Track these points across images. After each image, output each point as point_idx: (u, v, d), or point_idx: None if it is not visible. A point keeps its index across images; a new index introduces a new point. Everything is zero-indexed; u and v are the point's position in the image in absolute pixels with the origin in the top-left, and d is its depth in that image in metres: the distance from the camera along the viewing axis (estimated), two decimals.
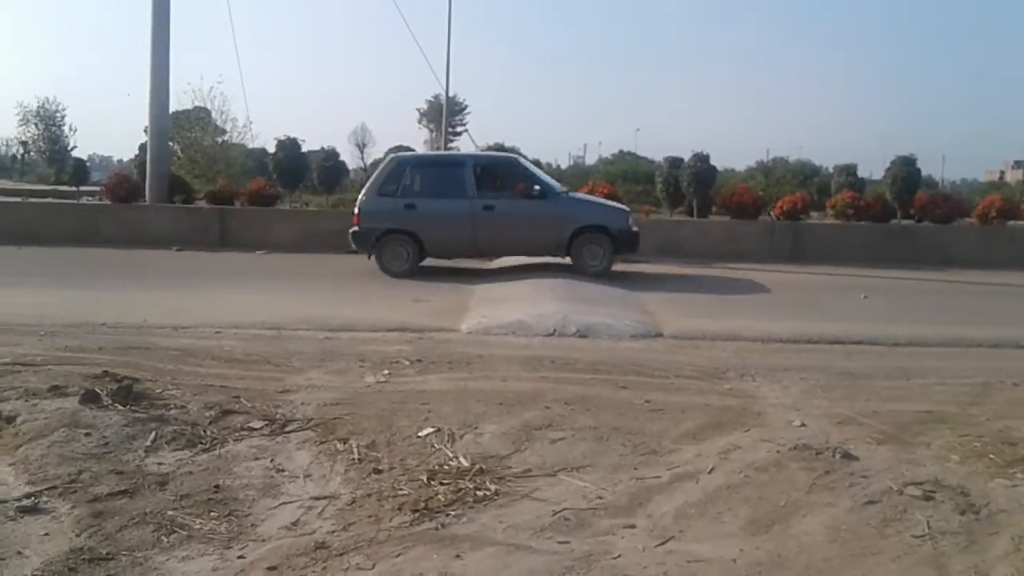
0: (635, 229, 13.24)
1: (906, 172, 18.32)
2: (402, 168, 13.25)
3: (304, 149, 18.51)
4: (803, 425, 5.51)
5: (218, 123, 25.65)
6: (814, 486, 4.39)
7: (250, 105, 27.08)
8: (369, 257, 13.09)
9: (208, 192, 18.08)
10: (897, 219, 18.50)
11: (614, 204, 14.22)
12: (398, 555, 3.55)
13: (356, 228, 12.94)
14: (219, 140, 25.50)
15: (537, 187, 12.88)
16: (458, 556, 3.54)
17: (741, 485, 4.41)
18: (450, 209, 12.87)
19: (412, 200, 12.89)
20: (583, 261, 12.85)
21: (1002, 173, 55.99)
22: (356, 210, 13.02)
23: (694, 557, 3.57)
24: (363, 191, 13.46)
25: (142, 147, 18.57)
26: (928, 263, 16.14)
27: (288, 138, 17.94)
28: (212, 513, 4.00)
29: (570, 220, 12.91)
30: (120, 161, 34.54)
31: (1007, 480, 4.55)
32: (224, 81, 26.68)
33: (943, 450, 5.07)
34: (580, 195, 14.86)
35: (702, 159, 17.73)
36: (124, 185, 17.39)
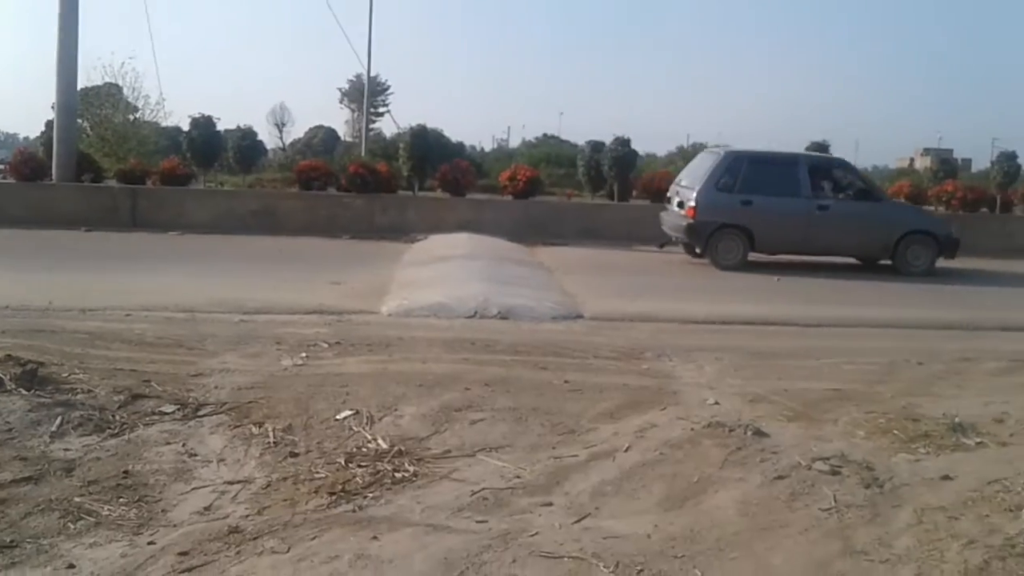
0: (956, 236, 13.66)
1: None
2: (738, 164, 13.23)
3: (220, 128, 17.99)
4: (717, 403, 5.63)
5: (130, 100, 24.80)
6: (726, 462, 4.49)
7: (164, 82, 26.28)
8: (701, 252, 13.32)
9: (118, 171, 17.45)
10: None
11: (932, 212, 14.90)
12: (314, 538, 3.50)
13: (691, 221, 12.91)
14: (131, 118, 24.65)
15: (871, 191, 13.52)
16: (375, 538, 3.52)
17: (656, 462, 4.48)
18: (785, 207, 13.07)
19: (748, 196, 12.97)
20: (906, 262, 13.30)
21: (912, 160, 57.90)
22: (692, 203, 12.91)
23: (610, 533, 3.61)
24: (689, 183, 13.52)
25: (49, 124, 17.77)
26: None
27: (203, 116, 17.41)
28: (121, 499, 3.89)
29: (899, 224, 13.41)
30: (26, 139, 33.17)
31: (910, 455, 4.73)
32: (136, 57, 25.79)
33: (850, 426, 5.25)
34: (902, 201, 15.59)
35: (623, 143, 17.87)
36: (29, 163, 16.65)
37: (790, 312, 9.27)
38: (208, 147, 17.46)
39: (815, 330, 8.59)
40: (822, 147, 18.93)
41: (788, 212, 13.11)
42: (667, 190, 17.70)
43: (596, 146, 18.47)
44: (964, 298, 11.25)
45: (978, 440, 5.02)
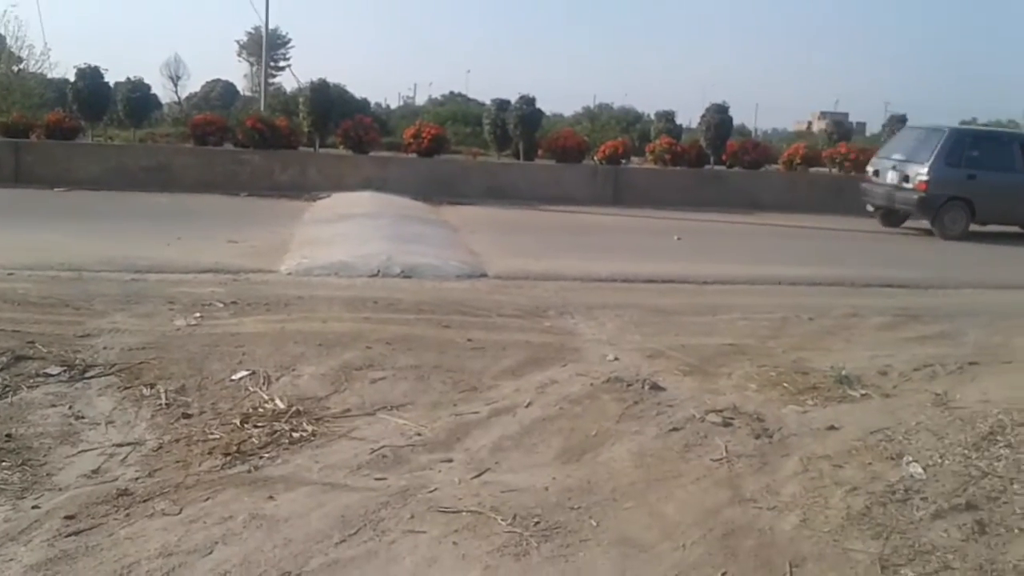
0: None
1: (719, 120, 19.09)
2: (963, 141, 14.45)
3: (109, 80, 17.12)
4: (616, 359, 5.73)
5: (13, 51, 23.40)
6: (624, 416, 4.59)
7: (50, 32, 24.86)
8: (930, 222, 14.47)
9: (0, 124, 16.49)
10: (711, 164, 19.36)
11: None
12: (207, 499, 3.44)
13: (923, 194, 13.99)
14: (14, 69, 23.28)
15: None
16: (271, 497, 3.47)
17: (556, 417, 4.54)
18: (1005, 181, 14.29)
19: (972, 171, 14.09)
20: None
21: (810, 123, 59.69)
22: (924, 178, 13.96)
23: (508, 487, 3.65)
24: (909, 158, 14.61)
25: None
26: (738, 206, 17.02)
27: (89, 66, 16.47)
28: (3, 463, 3.74)
29: None
30: None
31: (799, 407, 4.92)
32: (18, 4, 24.34)
33: (742, 380, 5.42)
34: None
35: (528, 102, 17.77)
36: None
37: (688, 270, 9.46)
38: (95, 99, 16.58)
39: (713, 287, 8.79)
40: (722, 109, 19.23)
41: (1007, 185, 14.38)
42: (572, 149, 17.85)
43: (502, 105, 18.33)
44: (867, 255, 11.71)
45: (863, 392, 5.25)
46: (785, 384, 5.32)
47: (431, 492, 3.57)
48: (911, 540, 3.32)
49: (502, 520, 3.31)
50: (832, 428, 4.53)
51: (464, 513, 3.37)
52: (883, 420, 4.63)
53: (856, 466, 4.01)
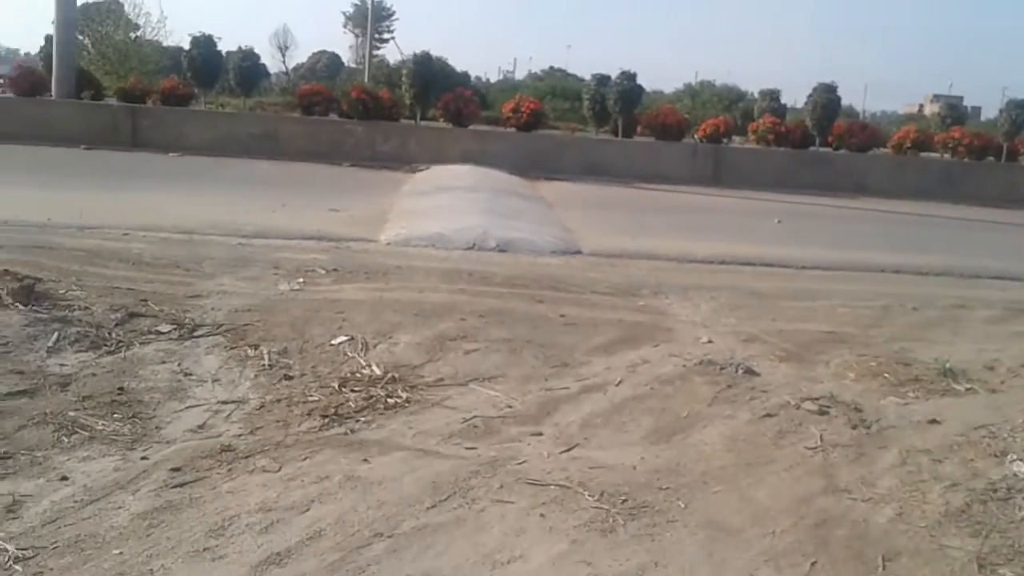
0: None
1: (826, 100, 18.56)
2: None
3: (222, 49, 17.70)
4: (710, 342, 5.66)
5: (131, 17, 24.40)
6: (716, 399, 4.54)
7: (166, 1, 25.75)
8: None
9: (118, 89, 17.24)
10: (816, 146, 18.84)
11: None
12: (305, 459, 3.56)
13: None
14: (132, 36, 24.27)
15: None
16: (365, 460, 3.57)
17: (646, 397, 4.53)
18: None
19: None
20: None
21: (921, 106, 57.30)
22: None
23: (596, 463, 3.66)
24: None
25: (49, 39, 17.47)
26: (843, 190, 16.55)
27: (203, 35, 17.11)
28: (115, 415, 3.93)
29: None
30: (27, 54, 32.60)
31: (899, 398, 4.77)
32: None
33: (841, 368, 5.28)
34: None
35: (629, 78, 17.60)
36: (29, 78, 16.45)
37: (788, 254, 9.25)
38: (209, 67, 17.21)
39: (812, 272, 8.58)
40: (830, 89, 18.65)
41: None
42: (672, 127, 17.58)
43: (602, 80, 18.21)
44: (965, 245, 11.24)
45: (968, 386, 5.06)
46: (886, 375, 5.16)
47: (520, 464, 3.62)
48: (1011, 540, 3.20)
49: (589, 496, 3.33)
50: (933, 422, 4.38)
51: (552, 487, 3.40)
52: (988, 416, 4.46)
53: (957, 462, 3.88)
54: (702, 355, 5.24)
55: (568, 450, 3.83)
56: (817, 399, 4.59)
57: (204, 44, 17.02)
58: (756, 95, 25.41)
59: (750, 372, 5.00)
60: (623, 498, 3.34)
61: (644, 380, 4.78)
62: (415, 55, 17.96)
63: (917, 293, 7.74)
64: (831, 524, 3.26)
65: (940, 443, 4.09)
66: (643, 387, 4.67)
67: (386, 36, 56.57)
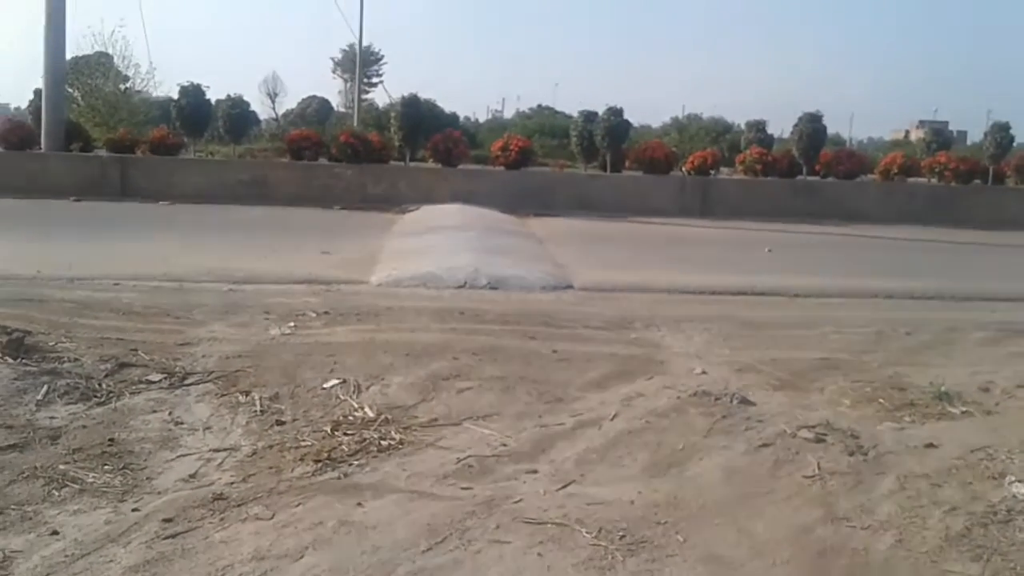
0: None
1: (812, 129, 18.73)
2: None
3: (211, 97, 17.85)
4: (704, 373, 5.64)
5: (120, 69, 24.56)
6: (712, 430, 4.51)
7: (154, 51, 26.04)
8: None
9: (107, 140, 17.32)
10: (803, 175, 18.97)
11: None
12: (298, 504, 3.51)
13: None
14: (122, 87, 24.44)
15: None
16: (359, 504, 3.53)
17: (642, 430, 4.50)
18: None
19: None
20: None
21: (907, 132, 57.77)
22: None
23: (593, 500, 3.63)
24: None
25: (37, 92, 17.57)
26: (832, 217, 16.63)
27: (192, 84, 17.25)
28: (106, 467, 3.89)
29: None
30: (17, 108, 32.82)
31: (895, 423, 4.76)
32: (126, 25, 25.53)
33: (836, 395, 5.27)
34: None
35: (615, 113, 17.75)
36: (18, 131, 16.53)
37: (779, 282, 9.27)
38: (198, 116, 17.32)
39: (804, 300, 8.59)
40: (815, 118, 18.83)
41: None
42: (660, 161, 17.70)
43: (589, 116, 18.36)
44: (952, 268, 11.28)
45: (963, 409, 5.05)
46: (881, 400, 5.15)
47: (516, 503, 3.58)
48: (1013, 562, 3.17)
49: (587, 532, 3.29)
50: (930, 446, 4.37)
51: (549, 525, 3.36)
52: (985, 438, 4.45)
53: (956, 485, 3.85)
54: (696, 386, 5.22)
55: (564, 487, 3.79)
56: (813, 427, 4.57)
57: (192, 93, 17.15)
58: (743, 127, 25.63)
59: (745, 402, 4.98)
60: (621, 534, 3.31)
61: (639, 413, 4.75)
62: (403, 97, 18.11)
63: (909, 317, 7.75)
64: (831, 554, 3.23)
65: (938, 467, 4.07)
66: (638, 420, 4.64)
67: (375, 80, 57.14)
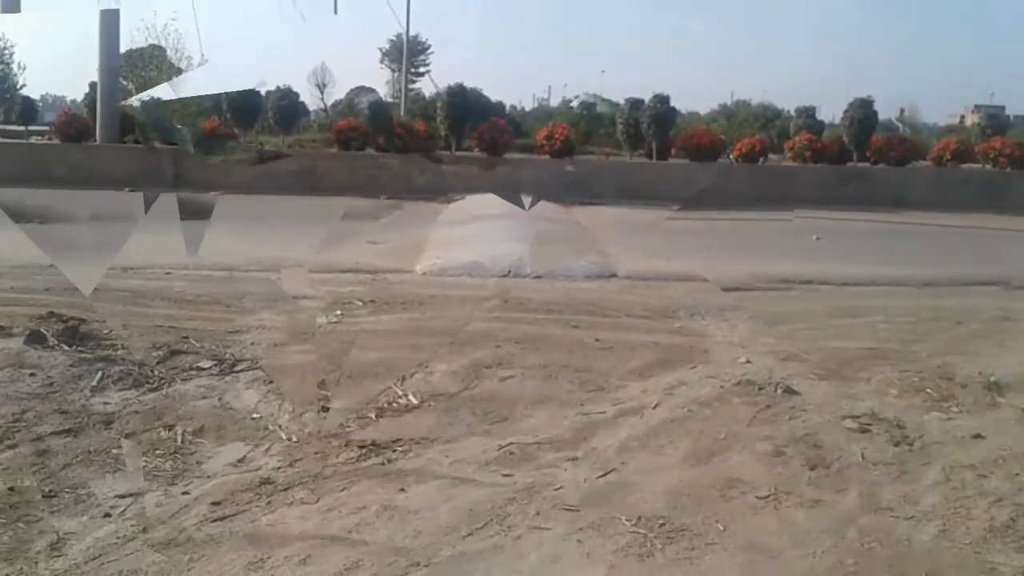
0: None
1: (863, 115, 18.38)
2: None
3: (261, 88, 18.10)
4: (748, 362, 5.61)
5: (174, 62, 24.94)
6: (754, 420, 4.50)
7: (206, 43, 26.33)
8: None
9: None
10: (854, 161, 18.65)
11: None
12: (343, 489, 3.59)
13: None
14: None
15: None
16: (402, 489, 3.59)
17: (684, 419, 4.50)
18: None
19: None
20: None
21: (962, 117, 56.21)
22: None
23: (634, 487, 3.64)
24: None
25: (93, 86, 17.94)
26: (882, 204, 16.34)
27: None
28: (157, 451, 4.00)
29: None
30: (73, 101, 33.55)
31: (942, 413, 4.70)
32: (178, 18, 25.94)
33: (882, 385, 5.21)
34: None
35: (662, 100, 17.61)
36: (74, 124, 16.92)
37: (827, 270, 9.15)
38: (247, 107, 17.56)
39: (853, 289, 8.47)
40: (866, 103, 18.48)
41: None
42: (707, 148, 17.51)
43: (635, 104, 18.23)
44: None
45: (1013, 400, 4.95)
46: (928, 390, 5.08)
47: (557, 490, 3.61)
48: None
49: (627, 520, 3.31)
50: (978, 437, 4.32)
51: (589, 511, 3.39)
52: None
53: (1002, 476, 3.80)
54: (740, 375, 5.21)
55: (605, 475, 3.81)
56: (858, 417, 4.54)
57: None
58: (792, 113, 25.22)
59: (789, 391, 4.95)
60: (660, 521, 3.32)
61: (681, 402, 4.75)
62: (449, 87, 18.17)
63: (960, 306, 7.61)
64: (874, 544, 3.21)
65: (984, 458, 4.03)
66: (680, 409, 4.64)
67: (422, 70, 57.14)
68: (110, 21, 16.90)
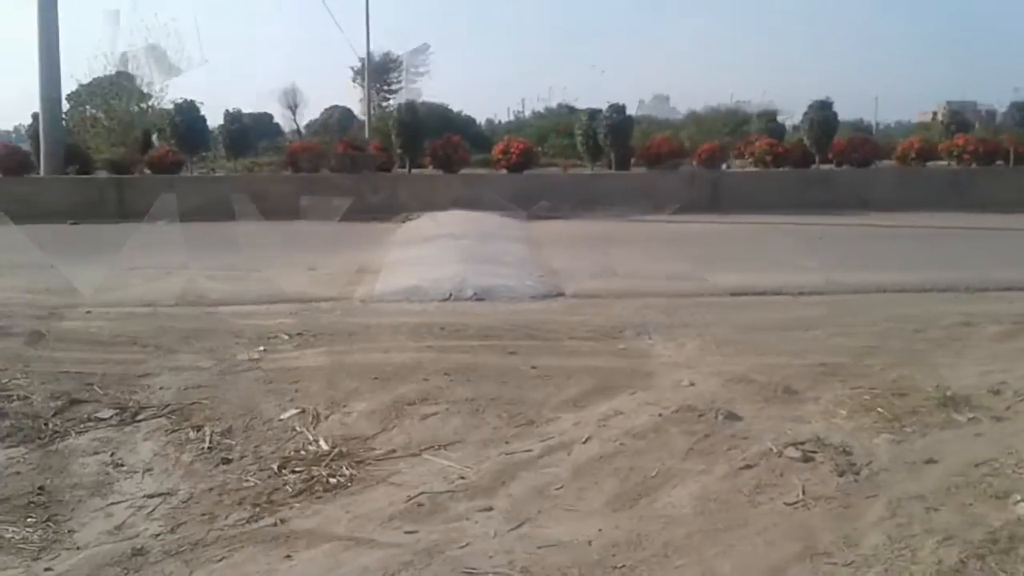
0: None
1: (823, 116, 18.24)
2: None
3: (205, 114, 17.67)
4: (692, 385, 5.28)
5: (142, 88, 24.59)
6: (691, 452, 4.17)
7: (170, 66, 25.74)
8: None
9: (106, 161, 17.20)
10: (816, 164, 18.50)
11: None
12: (221, 559, 3.21)
13: None
14: (144, 106, 24.44)
15: None
16: (288, 556, 3.22)
17: (614, 455, 4.16)
18: None
19: None
20: None
21: (935, 114, 56.43)
22: None
23: (547, 541, 3.29)
24: None
25: (35, 116, 17.49)
26: (846, 207, 16.15)
27: (185, 101, 17.10)
28: (29, 518, 3.61)
29: None
30: (17, 130, 32.93)
31: (893, 435, 4.38)
32: (136, 45, 25.58)
33: (831, 405, 4.88)
34: None
35: (618, 110, 17.37)
36: (14, 156, 16.45)
37: (784, 280, 8.86)
38: (192, 133, 17.14)
39: (808, 299, 8.17)
40: (826, 105, 18.35)
41: None
42: (667, 156, 17.30)
43: (593, 114, 18.00)
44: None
45: (970, 416, 4.65)
46: (880, 409, 4.75)
47: (461, 548, 3.25)
48: None
49: None
50: (930, 461, 4.00)
51: (490, 575, 3.03)
52: (991, 450, 4.09)
53: (953, 508, 3.48)
54: (681, 401, 4.88)
55: (518, 527, 3.45)
56: (802, 443, 4.21)
57: (187, 110, 16.98)
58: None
59: (732, 417, 4.63)
60: None
61: (614, 435, 4.41)
62: (400, 105, 17.87)
63: (919, 313, 7.32)
64: None
65: (936, 487, 3.71)
66: (612, 443, 4.30)
67: (395, 87, 56.65)
68: (50, 50, 16.44)
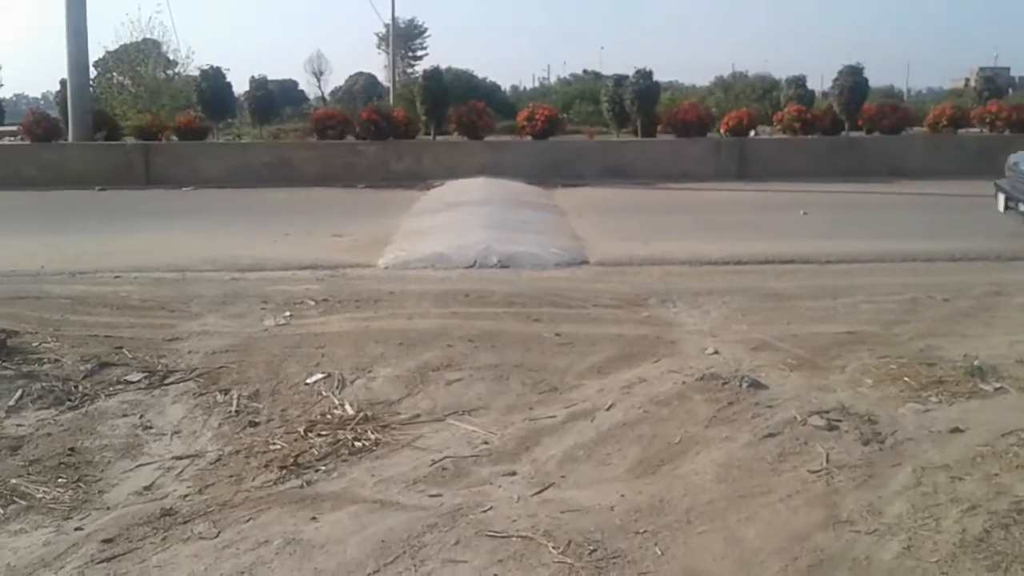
0: None
1: (853, 82, 17.89)
2: None
3: (232, 80, 17.67)
4: (716, 352, 5.26)
5: (167, 54, 24.76)
6: (714, 419, 4.16)
7: (202, 35, 26.15)
8: None
9: (134, 127, 17.27)
10: (846, 131, 18.22)
11: None
12: (248, 520, 3.25)
13: None
14: (170, 73, 24.58)
15: None
16: (314, 518, 3.26)
17: (637, 422, 4.16)
18: None
19: None
20: None
21: (967, 80, 55.44)
22: None
23: (570, 506, 3.31)
24: None
25: (63, 82, 17.57)
26: (876, 175, 15.95)
27: (212, 68, 17.09)
28: (60, 479, 3.68)
29: None
30: (45, 97, 33.17)
31: (919, 404, 4.35)
32: (161, 11, 25.82)
33: (857, 374, 4.85)
34: None
35: (645, 76, 17.14)
36: (42, 123, 16.52)
37: (810, 248, 8.77)
38: (219, 100, 17.15)
39: (836, 267, 8.09)
40: (856, 70, 17.99)
41: None
42: (693, 123, 17.10)
43: (619, 81, 17.79)
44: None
45: (997, 385, 4.61)
46: (906, 378, 4.71)
47: (485, 512, 3.27)
48: None
49: (553, 548, 2.97)
50: (956, 430, 3.96)
51: (514, 538, 3.05)
52: (1017, 419, 4.05)
53: (979, 478, 3.45)
54: (705, 369, 4.85)
55: (541, 491, 3.47)
56: (827, 412, 4.19)
57: (213, 77, 16.98)
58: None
59: (756, 385, 4.60)
60: (592, 548, 2.98)
61: (638, 402, 4.41)
62: (425, 71, 17.74)
63: (949, 282, 7.22)
64: (828, 565, 2.87)
65: (961, 456, 3.68)
66: (635, 410, 4.30)
67: (419, 53, 56.41)
68: (77, 16, 16.47)
